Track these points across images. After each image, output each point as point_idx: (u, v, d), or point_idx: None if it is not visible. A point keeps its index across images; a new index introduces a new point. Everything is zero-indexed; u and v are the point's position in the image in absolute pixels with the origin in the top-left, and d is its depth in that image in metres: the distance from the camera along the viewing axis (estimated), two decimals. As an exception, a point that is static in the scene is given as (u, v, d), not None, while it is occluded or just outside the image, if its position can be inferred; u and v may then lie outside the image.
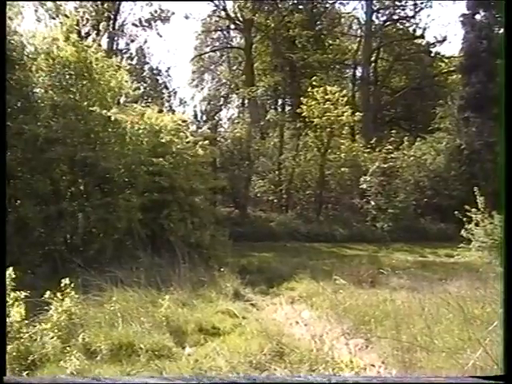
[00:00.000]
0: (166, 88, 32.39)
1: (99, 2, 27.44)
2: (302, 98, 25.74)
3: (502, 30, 27.40)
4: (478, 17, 28.20)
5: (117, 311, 7.10)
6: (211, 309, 8.24)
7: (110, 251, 11.35)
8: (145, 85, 26.23)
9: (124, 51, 30.18)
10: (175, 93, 32.99)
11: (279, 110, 38.23)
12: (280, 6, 35.35)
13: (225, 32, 40.80)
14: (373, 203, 24.22)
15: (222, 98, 41.35)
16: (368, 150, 26.07)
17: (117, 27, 29.32)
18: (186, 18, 36.33)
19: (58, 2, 24.48)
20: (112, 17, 28.61)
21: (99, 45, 14.53)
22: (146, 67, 32.09)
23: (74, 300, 6.87)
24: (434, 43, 37.26)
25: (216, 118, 30.08)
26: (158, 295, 7.83)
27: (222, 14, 37.01)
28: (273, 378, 3.90)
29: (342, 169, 26.42)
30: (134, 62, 30.35)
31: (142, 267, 9.49)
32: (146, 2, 29.67)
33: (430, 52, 38.22)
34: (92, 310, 7.16)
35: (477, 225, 16.36)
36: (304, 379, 2.97)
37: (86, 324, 6.75)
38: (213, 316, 7.84)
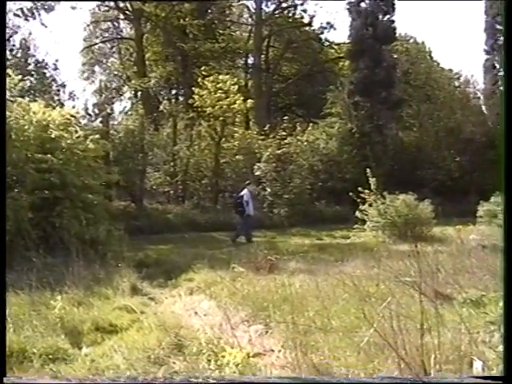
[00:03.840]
0: (55, 81, 31.08)
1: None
2: (193, 88, 25.66)
3: (386, 17, 28.63)
4: (363, 4, 29.19)
5: (7, 317, 6.79)
6: (108, 306, 8.02)
7: (-1, 254, 10.86)
8: (31, 79, 24.99)
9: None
10: (64, 86, 31.69)
11: (172, 100, 37.90)
12: (169, -5, 34.88)
13: (114, 22, 39.83)
14: (269, 190, 24.52)
15: (113, 91, 40.26)
16: (262, 137, 26.25)
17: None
18: (73, 8, 34.72)
19: None
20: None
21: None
22: (32, 60, 30.71)
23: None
24: (322, 30, 38.07)
25: (108, 110, 29.32)
26: (52, 296, 7.57)
27: (111, 4, 36.10)
28: (272, 379, 3.83)
29: (237, 157, 26.58)
30: (19, 55, 29.09)
31: (34, 268, 9.15)
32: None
33: (320, 39, 39.06)
34: (-20, 317, 6.81)
35: (370, 205, 17.02)
36: (304, 380, 2.98)
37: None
38: (110, 313, 7.63)
